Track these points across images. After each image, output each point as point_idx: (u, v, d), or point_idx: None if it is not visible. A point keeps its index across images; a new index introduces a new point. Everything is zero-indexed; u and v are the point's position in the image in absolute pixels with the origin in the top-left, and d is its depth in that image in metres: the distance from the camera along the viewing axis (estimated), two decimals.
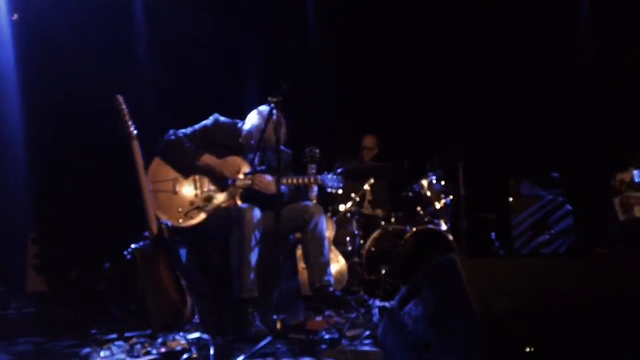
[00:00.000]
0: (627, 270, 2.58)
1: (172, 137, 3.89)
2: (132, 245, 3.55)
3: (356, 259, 5.25)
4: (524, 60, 6.20)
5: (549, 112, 6.06)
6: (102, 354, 2.71)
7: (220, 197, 3.91)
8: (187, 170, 3.89)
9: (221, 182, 3.91)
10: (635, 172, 4.31)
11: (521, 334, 2.28)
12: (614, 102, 5.63)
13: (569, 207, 5.54)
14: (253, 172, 3.94)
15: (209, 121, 4.05)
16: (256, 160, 4.01)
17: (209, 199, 3.88)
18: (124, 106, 3.66)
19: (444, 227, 5.38)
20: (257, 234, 3.72)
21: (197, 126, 4.02)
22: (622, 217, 4.12)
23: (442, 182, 5.54)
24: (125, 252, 3.58)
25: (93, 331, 3.64)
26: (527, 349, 2.24)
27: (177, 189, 3.85)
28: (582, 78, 6.00)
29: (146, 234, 3.60)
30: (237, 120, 4.15)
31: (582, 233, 5.40)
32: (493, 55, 6.30)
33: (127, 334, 3.33)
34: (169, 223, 3.70)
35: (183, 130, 3.97)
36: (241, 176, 3.93)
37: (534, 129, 6.08)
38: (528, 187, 5.78)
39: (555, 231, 5.47)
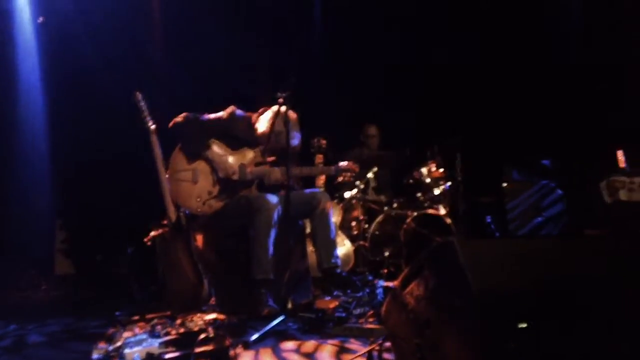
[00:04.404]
0: (615, 250, 2.59)
1: (183, 120, 3.84)
2: (152, 232, 3.57)
3: (361, 242, 5.26)
4: (519, 52, 6.14)
5: (541, 101, 6.02)
6: (125, 334, 2.73)
7: (237, 187, 3.91)
8: (194, 156, 3.87)
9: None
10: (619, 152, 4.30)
11: (515, 311, 2.28)
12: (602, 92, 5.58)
13: (559, 192, 5.53)
14: (263, 163, 3.95)
15: (224, 113, 4.02)
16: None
17: (226, 188, 3.89)
18: (142, 102, 3.66)
19: (442, 211, 5.38)
20: (275, 221, 3.74)
21: (212, 115, 3.99)
22: (608, 200, 4.10)
23: (441, 170, 5.54)
24: (146, 239, 3.60)
25: (117, 313, 3.67)
26: (520, 325, 2.25)
27: (197, 178, 3.84)
28: (572, 70, 5.95)
29: (165, 221, 3.61)
30: (253, 114, 4.15)
31: (572, 216, 5.38)
32: (491, 48, 6.25)
33: (148, 315, 3.35)
34: (187, 211, 3.72)
35: (197, 116, 3.92)
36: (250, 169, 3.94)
37: (527, 116, 6.05)
38: (519, 175, 5.77)
39: (547, 215, 5.46)
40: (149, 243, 3.59)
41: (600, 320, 2.32)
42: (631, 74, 5.31)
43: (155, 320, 3.07)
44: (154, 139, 3.64)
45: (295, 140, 4.01)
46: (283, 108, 3.68)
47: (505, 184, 5.82)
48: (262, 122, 4.04)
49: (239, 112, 4.07)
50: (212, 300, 3.65)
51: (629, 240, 3.48)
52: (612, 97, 5.46)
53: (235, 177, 3.88)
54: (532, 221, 5.52)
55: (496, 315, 2.26)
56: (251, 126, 4.08)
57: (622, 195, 4.17)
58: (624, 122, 5.22)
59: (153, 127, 3.65)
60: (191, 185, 3.82)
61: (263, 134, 3.99)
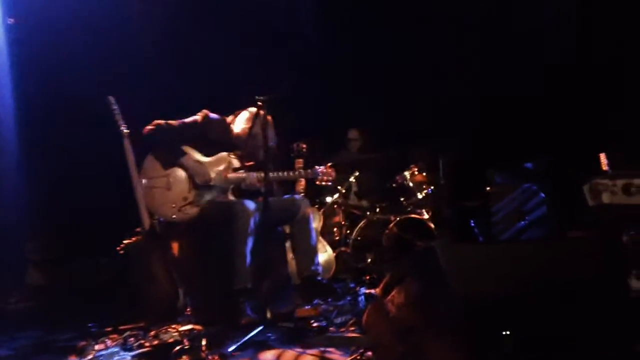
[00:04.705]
0: (597, 253, 2.58)
1: (155, 128, 3.76)
2: (126, 241, 3.49)
3: (343, 248, 5.20)
4: (502, 56, 6.12)
5: (524, 104, 6.01)
6: (96, 347, 2.64)
7: (213, 192, 3.84)
8: (168, 163, 3.80)
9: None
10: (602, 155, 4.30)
11: (499, 316, 2.26)
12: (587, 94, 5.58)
13: (542, 195, 5.53)
14: (241, 168, 3.87)
15: (198, 117, 3.96)
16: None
17: (202, 194, 3.81)
18: (115, 106, 3.60)
19: (426, 215, 5.34)
20: (252, 227, 3.66)
21: (186, 120, 3.92)
22: (590, 203, 4.10)
23: (424, 173, 5.51)
24: (119, 248, 3.52)
25: (90, 324, 3.57)
26: (504, 332, 2.23)
27: (171, 184, 3.77)
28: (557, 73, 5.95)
29: (139, 229, 3.54)
30: (227, 117, 4.08)
31: (556, 219, 5.38)
32: (476, 52, 6.23)
33: (121, 327, 3.26)
34: (161, 219, 3.64)
35: (169, 123, 3.84)
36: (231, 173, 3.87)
37: (510, 119, 6.04)
38: (502, 178, 5.76)
39: (530, 218, 5.45)
40: (122, 252, 3.50)
41: (584, 324, 2.30)
42: (615, 76, 5.32)
43: (128, 332, 2.99)
44: (127, 144, 3.57)
45: (271, 143, 3.96)
46: (262, 111, 3.62)
47: (489, 188, 5.80)
48: (239, 123, 3.99)
49: (212, 115, 4.00)
50: (188, 311, 3.56)
51: (611, 242, 3.47)
52: (596, 101, 5.47)
53: (212, 182, 3.81)
54: (515, 225, 5.51)
55: (480, 320, 2.23)
56: (227, 128, 4.01)
57: (605, 198, 4.14)
58: (607, 125, 5.23)
59: (126, 131, 3.57)
60: (165, 192, 3.74)
61: (239, 135, 3.93)
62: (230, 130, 3.99)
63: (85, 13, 5.19)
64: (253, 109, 3.89)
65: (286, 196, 4.11)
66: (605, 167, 4.29)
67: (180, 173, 3.81)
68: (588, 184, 4.26)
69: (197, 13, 5.73)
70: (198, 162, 3.83)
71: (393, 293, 2.54)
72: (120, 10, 5.37)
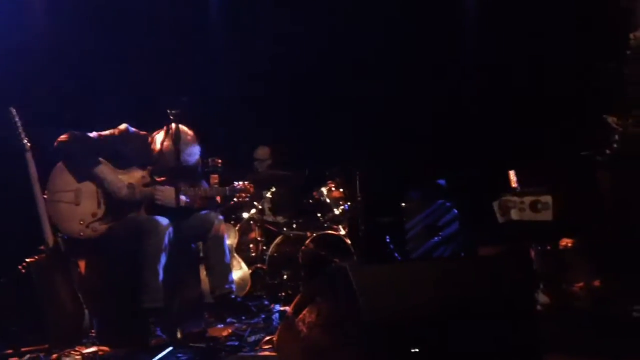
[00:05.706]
0: (508, 268, 2.71)
1: (70, 138, 3.66)
2: (27, 259, 3.36)
3: (259, 265, 5.20)
4: (416, 71, 6.32)
5: (438, 121, 6.23)
6: None
7: (124, 208, 3.75)
8: (83, 175, 3.69)
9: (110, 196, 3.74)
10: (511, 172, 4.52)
11: (407, 336, 2.33)
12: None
13: (455, 211, 5.74)
14: (152, 183, 3.81)
15: (115, 130, 3.86)
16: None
17: (112, 209, 3.71)
18: (17, 118, 3.47)
19: (342, 231, 5.43)
20: (166, 244, 3.60)
21: (103, 133, 3.82)
22: (500, 219, 4.31)
23: (341, 189, 5.60)
24: (20, 266, 3.38)
25: None
26: (412, 350, 2.30)
27: (79, 199, 3.64)
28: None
29: (42, 247, 3.41)
30: (146, 133, 4.01)
31: (468, 235, 5.60)
32: (390, 69, 6.41)
33: (23, 349, 3.13)
34: (66, 236, 3.53)
35: (85, 134, 3.74)
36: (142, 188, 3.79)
37: (424, 136, 6.24)
38: (417, 195, 5.94)
39: (444, 234, 5.65)
40: (23, 271, 3.37)
41: (494, 339, 2.42)
42: (525, 95, 5.60)
43: (29, 355, 2.88)
44: (29, 157, 3.44)
45: (192, 157, 3.91)
46: (173, 125, 3.60)
47: (404, 204, 5.97)
48: (157, 142, 3.93)
49: (132, 129, 3.92)
50: (93, 332, 3.46)
51: (519, 258, 3.65)
52: (506, 118, 5.74)
53: (126, 196, 3.71)
54: (429, 241, 5.69)
55: (389, 341, 2.29)
56: (146, 145, 3.93)
57: (514, 214, 4.36)
58: (517, 142, 5.49)
59: (28, 144, 3.45)
60: (73, 207, 3.62)
61: (157, 151, 3.88)
62: (149, 147, 3.91)
63: None
64: (173, 125, 3.82)
65: (202, 212, 4.07)
66: (514, 185, 4.53)
67: (91, 187, 3.69)
68: (497, 201, 4.48)
69: (104, 23, 5.60)
70: (115, 172, 3.74)
71: (304, 312, 2.57)
72: (23, 19, 5.18)
